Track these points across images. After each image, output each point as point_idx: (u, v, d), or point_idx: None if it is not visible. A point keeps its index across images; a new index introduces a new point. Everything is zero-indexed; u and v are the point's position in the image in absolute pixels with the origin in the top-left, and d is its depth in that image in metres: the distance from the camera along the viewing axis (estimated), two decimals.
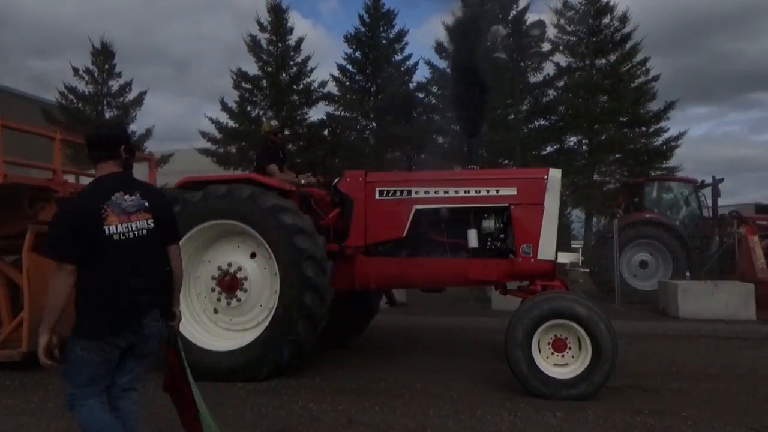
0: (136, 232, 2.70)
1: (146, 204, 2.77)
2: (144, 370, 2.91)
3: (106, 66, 22.22)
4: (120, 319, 2.64)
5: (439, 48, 21.69)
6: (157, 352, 2.86)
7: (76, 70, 21.94)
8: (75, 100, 22.00)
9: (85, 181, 7.20)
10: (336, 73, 22.21)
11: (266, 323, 5.24)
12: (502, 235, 5.75)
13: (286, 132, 7.94)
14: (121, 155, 2.81)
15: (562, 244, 14.12)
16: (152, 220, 2.77)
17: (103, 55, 22.13)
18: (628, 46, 21.10)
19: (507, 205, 5.56)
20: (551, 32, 21.16)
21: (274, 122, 7.58)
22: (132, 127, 22.38)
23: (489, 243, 5.74)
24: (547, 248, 5.42)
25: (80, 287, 2.59)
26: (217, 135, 21.84)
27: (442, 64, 21.73)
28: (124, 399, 2.82)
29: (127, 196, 2.71)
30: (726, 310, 10.19)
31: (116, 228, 2.64)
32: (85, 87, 22.07)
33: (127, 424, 2.77)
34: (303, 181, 6.49)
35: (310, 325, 5.17)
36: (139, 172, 8.37)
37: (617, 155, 20.87)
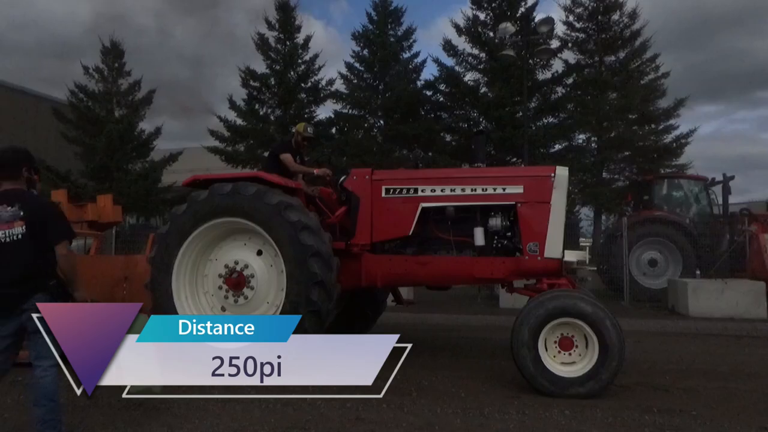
0: (11, 237, 3.34)
1: (21, 213, 3.37)
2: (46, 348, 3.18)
3: (116, 65, 22.35)
4: None
5: (447, 46, 21.64)
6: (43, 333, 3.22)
7: (86, 69, 22.10)
8: (85, 99, 22.14)
9: None
10: (344, 71, 22.24)
11: None
12: (509, 233, 5.73)
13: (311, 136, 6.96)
14: (22, 174, 3.49)
15: (570, 242, 14.04)
16: (24, 226, 3.36)
17: (113, 53, 22.26)
18: (637, 42, 20.93)
19: (513, 203, 5.54)
20: (560, 29, 21.08)
21: (310, 128, 6.98)
22: (141, 125, 22.57)
23: (495, 241, 5.71)
24: (553, 246, 5.39)
25: None
26: (226, 133, 21.92)
27: (450, 61, 21.72)
28: (36, 370, 3.38)
29: (9, 208, 3.36)
30: (736, 308, 10.12)
31: None
32: (95, 86, 22.22)
33: (37, 390, 3.36)
34: (316, 172, 6.45)
35: (317, 321, 5.17)
36: None
37: (626, 153, 20.70)
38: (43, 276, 3.43)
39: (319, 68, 22.32)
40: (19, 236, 3.36)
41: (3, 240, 3.35)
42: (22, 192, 3.49)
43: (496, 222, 5.62)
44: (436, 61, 21.92)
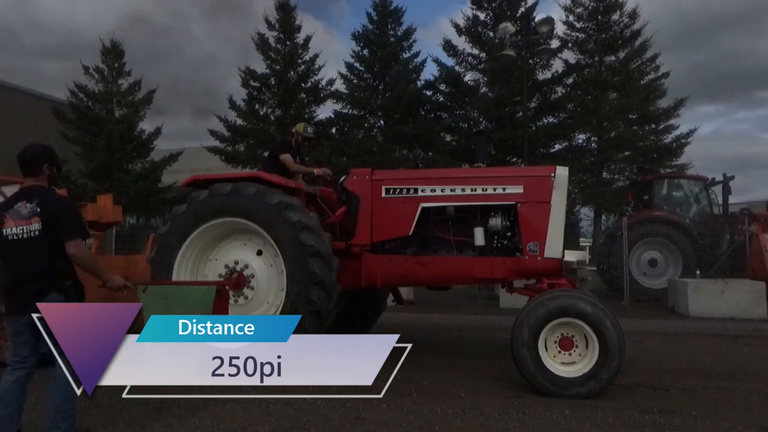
0: (29, 233, 3.37)
1: (38, 210, 3.40)
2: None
3: (116, 65, 22.32)
4: (13, 301, 3.39)
5: (447, 46, 21.62)
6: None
7: (86, 69, 22.06)
8: (85, 99, 22.11)
9: None
10: (344, 71, 22.24)
11: None
12: (509, 233, 5.73)
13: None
14: (43, 172, 3.55)
15: (570, 242, 14.03)
16: (41, 223, 3.38)
17: (113, 53, 22.23)
18: (637, 42, 20.92)
19: (514, 203, 5.54)
20: (560, 29, 21.07)
21: (310, 128, 6.95)
22: (141, 125, 22.55)
23: (495, 241, 5.72)
24: (553, 246, 5.40)
25: None
26: (226, 133, 21.92)
27: (450, 61, 21.71)
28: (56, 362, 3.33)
29: (28, 204, 3.40)
30: (737, 308, 10.12)
31: (11, 230, 3.39)
32: (95, 86, 22.19)
33: (56, 381, 3.38)
34: (316, 172, 6.46)
35: (317, 321, 5.18)
36: None
37: (626, 153, 20.70)
38: (59, 275, 3.43)
39: (319, 68, 22.34)
40: (36, 233, 3.38)
41: (21, 236, 3.37)
42: (41, 189, 3.52)
43: (496, 222, 5.62)
44: (436, 61, 21.99)
